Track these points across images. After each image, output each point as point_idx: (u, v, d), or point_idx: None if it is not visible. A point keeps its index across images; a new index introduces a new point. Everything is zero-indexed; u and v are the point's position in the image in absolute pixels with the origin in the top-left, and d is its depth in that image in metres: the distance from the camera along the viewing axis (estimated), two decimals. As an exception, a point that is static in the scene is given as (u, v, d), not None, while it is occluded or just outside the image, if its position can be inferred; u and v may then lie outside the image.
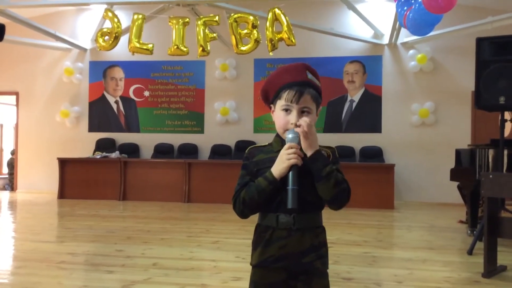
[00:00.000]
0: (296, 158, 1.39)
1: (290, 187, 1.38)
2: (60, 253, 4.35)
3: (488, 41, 4.46)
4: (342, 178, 1.46)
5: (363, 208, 7.51)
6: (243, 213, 1.52)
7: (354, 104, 9.11)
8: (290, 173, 1.40)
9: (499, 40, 4.44)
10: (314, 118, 1.51)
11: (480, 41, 4.48)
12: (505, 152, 4.70)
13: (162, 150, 9.53)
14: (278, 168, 1.42)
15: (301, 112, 1.48)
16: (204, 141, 9.57)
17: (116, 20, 7.58)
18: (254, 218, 1.58)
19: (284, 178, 1.41)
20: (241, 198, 1.49)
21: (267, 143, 1.58)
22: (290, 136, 1.45)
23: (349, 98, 9.13)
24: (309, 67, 1.54)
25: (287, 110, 1.49)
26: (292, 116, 1.47)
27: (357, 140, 8.96)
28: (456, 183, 6.02)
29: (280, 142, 1.49)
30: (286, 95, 1.49)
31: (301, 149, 1.43)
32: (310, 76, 1.51)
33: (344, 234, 5.41)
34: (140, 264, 3.95)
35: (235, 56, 8.77)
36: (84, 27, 9.95)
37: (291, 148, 1.41)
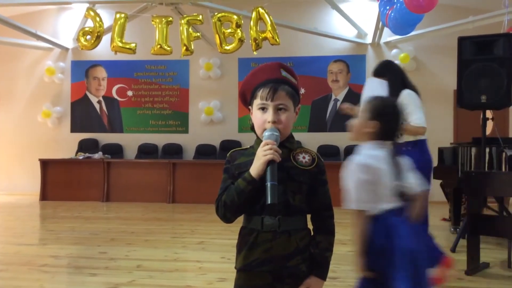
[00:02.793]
0: (272, 154, 1.37)
1: (268, 182, 1.36)
2: (43, 256, 4.28)
3: (470, 40, 4.50)
4: (332, 227, 1.57)
5: (347, 206, 7.53)
6: (226, 217, 1.49)
7: (339, 103, 9.14)
8: (268, 168, 1.38)
9: (480, 40, 4.49)
10: (291, 116, 1.50)
11: (461, 41, 4.53)
12: (487, 150, 4.76)
13: (146, 151, 9.46)
14: (255, 166, 1.41)
15: (277, 110, 1.46)
16: (189, 141, 9.52)
17: (98, 19, 7.51)
18: (240, 218, 1.57)
19: (265, 179, 1.39)
20: (223, 201, 1.47)
21: (248, 146, 1.56)
22: (267, 134, 1.43)
23: (333, 97, 9.17)
24: (283, 65, 1.53)
25: (263, 109, 1.48)
26: (269, 114, 1.46)
27: (342, 139, 8.98)
28: (439, 181, 6.08)
29: (260, 143, 1.47)
30: (261, 93, 1.47)
31: (278, 145, 1.42)
32: (284, 73, 1.51)
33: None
34: (124, 266, 3.91)
35: (219, 55, 8.74)
36: (65, 26, 9.82)
37: (267, 144, 1.39)
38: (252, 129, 1.53)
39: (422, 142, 3.54)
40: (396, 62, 8.74)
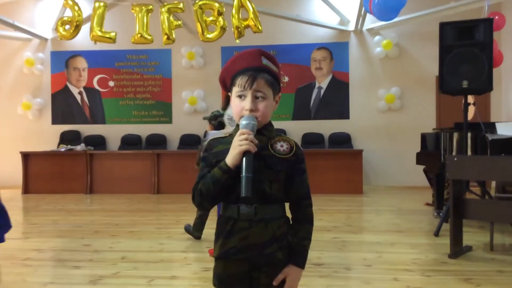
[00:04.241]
0: (247, 144, 1.35)
1: (243, 174, 1.34)
2: (25, 249, 4.23)
3: (451, 26, 4.53)
4: (310, 216, 1.54)
5: (332, 193, 7.58)
6: (202, 205, 1.49)
7: (322, 91, 9.14)
8: (243, 159, 1.36)
9: (461, 25, 4.51)
10: (270, 104, 1.48)
11: (443, 26, 4.54)
12: (469, 135, 4.80)
13: (129, 142, 9.37)
14: (230, 155, 1.39)
15: (256, 98, 1.45)
16: (173, 131, 9.45)
17: (76, 8, 7.36)
18: (222, 208, 1.55)
19: (240, 170, 1.37)
20: (199, 190, 1.46)
21: (228, 134, 1.54)
22: (243, 122, 1.41)
23: (317, 85, 9.16)
24: (264, 52, 1.50)
25: (241, 97, 1.46)
26: (247, 102, 1.44)
27: (326, 127, 9.02)
28: (422, 167, 6.14)
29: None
30: (239, 81, 1.46)
31: (256, 133, 1.40)
32: (265, 61, 1.48)
33: (314, 220, 5.44)
34: (108, 258, 3.87)
35: (201, 44, 8.66)
36: (44, 16, 9.62)
37: (243, 134, 1.38)
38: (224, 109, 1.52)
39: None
40: (378, 49, 8.80)
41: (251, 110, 1.43)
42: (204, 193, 1.44)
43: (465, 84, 4.37)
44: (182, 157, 8.45)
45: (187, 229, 4.59)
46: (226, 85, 1.54)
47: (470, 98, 4.72)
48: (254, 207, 1.42)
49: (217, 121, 4.75)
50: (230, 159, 1.39)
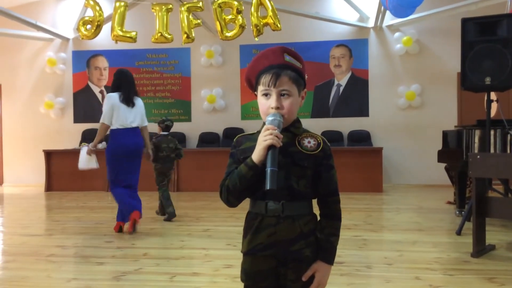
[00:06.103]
0: (272, 138, 1.36)
1: (268, 168, 1.35)
2: (49, 246, 4.31)
3: (473, 21, 4.46)
4: (338, 212, 1.52)
5: (352, 192, 7.55)
6: (229, 201, 1.50)
7: (341, 89, 9.10)
8: (268, 153, 1.37)
9: (484, 21, 4.44)
10: (296, 101, 1.48)
11: (465, 22, 4.48)
12: (492, 132, 4.73)
13: (149, 140, 9.44)
14: (256, 151, 1.41)
15: (281, 95, 1.46)
16: (192, 129, 9.51)
17: (97, 8, 7.45)
18: (244, 205, 1.56)
19: (265, 164, 1.38)
20: (226, 186, 1.48)
21: (256, 131, 1.55)
22: (269, 119, 1.43)
23: (336, 83, 9.12)
24: (287, 49, 1.51)
25: (266, 95, 1.47)
26: (272, 100, 1.45)
27: (345, 125, 8.98)
28: (443, 165, 6.07)
29: None
30: (263, 79, 1.47)
31: (283, 130, 1.41)
32: (288, 58, 1.49)
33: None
34: (130, 254, 3.93)
35: (220, 42, 8.70)
36: (65, 16, 9.77)
37: (267, 129, 1.39)
38: None
39: (113, 131, 4.83)
40: (398, 45, 8.71)
41: (277, 108, 1.44)
42: (231, 189, 1.46)
43: (488, 80, 4.30)
44: (201, 155, 8.50)
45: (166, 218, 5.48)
46: (252, 84, 1.55)
47: (493, 95, 4.64)
48: (282, 204, 1.43)
49: (164, 124, 6.03)
50: (255, 155, 1.40)
